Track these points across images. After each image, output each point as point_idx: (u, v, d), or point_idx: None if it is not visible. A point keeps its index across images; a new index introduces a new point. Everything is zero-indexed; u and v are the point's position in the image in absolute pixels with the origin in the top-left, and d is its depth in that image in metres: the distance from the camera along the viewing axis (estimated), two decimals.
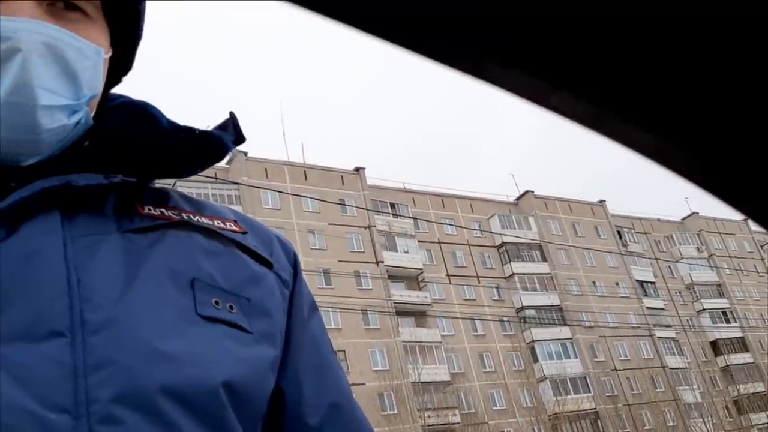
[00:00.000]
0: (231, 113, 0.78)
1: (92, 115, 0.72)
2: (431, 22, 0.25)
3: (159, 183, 0.78)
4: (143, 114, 0.73)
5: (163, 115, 0.74)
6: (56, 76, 0.66)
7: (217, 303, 0.67)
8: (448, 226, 44.37)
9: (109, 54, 0.75)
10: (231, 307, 0.68)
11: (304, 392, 0.75)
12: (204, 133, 0.74)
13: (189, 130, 0.74)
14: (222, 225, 0.76)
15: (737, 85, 0.22)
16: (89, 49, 0.69)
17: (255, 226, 0.82)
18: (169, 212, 0.73)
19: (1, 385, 0.53)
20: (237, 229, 0.78)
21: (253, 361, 0.67)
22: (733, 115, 0.23)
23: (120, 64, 0.80)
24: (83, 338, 0.57)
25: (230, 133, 0.77)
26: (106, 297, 0.61)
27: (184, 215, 0.74)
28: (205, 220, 0.75)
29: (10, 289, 0.57)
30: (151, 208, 0.72)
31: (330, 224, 39.20)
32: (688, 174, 0.26)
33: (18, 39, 0.62)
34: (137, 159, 0.72)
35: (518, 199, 51.34)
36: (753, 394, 49.90)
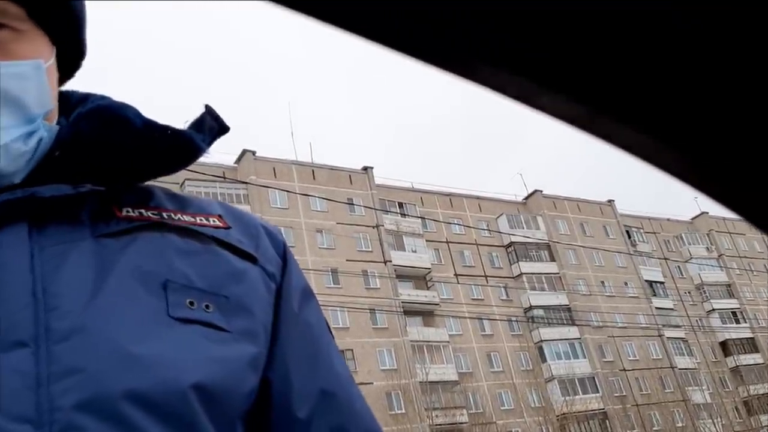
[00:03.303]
0: (206, 106, 0.77)
1: (55, 122, 0.71)
2: (417, 21, 0.25)
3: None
4: (115, 117, 0.71)
5: (138, 116, 0.72)
6: (3, 113, 0.64)
7: (191, 303, 0.67)
8: (456, 225, 44.33)
9: (52, 57, 0.73)
10: (207, 306, 0.68)
11: (292, 383, 0.74)
12: (175, 133, 0.73)
13: (163, 130, 0.72)
14: (204, 221, 0.76)
15: (729, 85, 0.22)
16: (27, 69, 0.68)
17: (241, 219, 0.80)
18: (149, 213, 0.72)
19: None
20: (220, 224, 0.77)
21: (229, 361, 0.67)
22: (727, 114, 0.23)
23: (73, 50, 0.78)
24: (47, 347, 0.57)
25: (208, 126, 0.76)
26: (72, 304, 0.60)
27: (164, 214, 0.73)
28: (186, 218, 0.75)
29: None
30: (130, 209, 0.71)
31: (338, 224, 39.24)
32: (683, 175, 0.26)
33: None
34: (108, 165, 0.71)
35: (526, 198, 51.22)
36: (763, 394, 49.57)
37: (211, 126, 0.77)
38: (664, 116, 0.23)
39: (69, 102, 0.78)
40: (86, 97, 0.78)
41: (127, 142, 0.70)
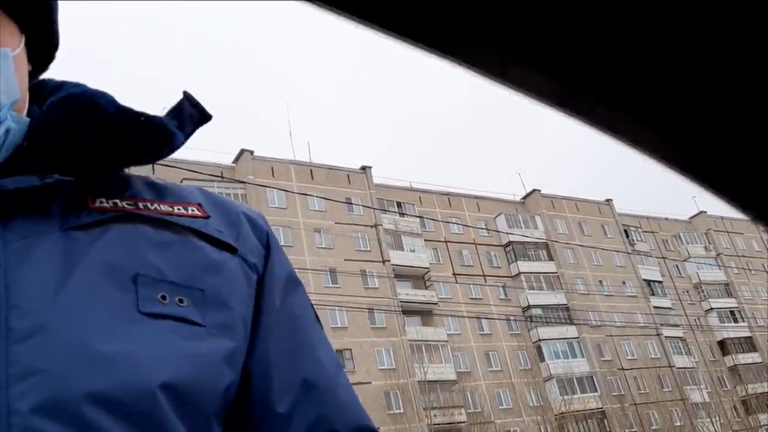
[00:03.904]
0: (185, 92, 0.74)
1: (25, 113, 0.69)
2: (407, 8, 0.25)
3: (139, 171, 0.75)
4: (87, 104, 0.68)
5: (112, 103, 0.69)
6: None
7: (164, 298, 0.64)
8: (455, 225, 44.36)
9: (21, 44, 0.70)
10: (181, 300, 0.65)
11: (273, 376, 0.71)
12: (147, 119, 0.69)
13: (136, 117, 0.69)
14: (182, 211, 0.73)
15: (711, 68, 0.22)
16: None
17: (222, 207, 0.78)
18: (124, 203, 0.69)
19: None
20: (199, 213, 0.74)
21: (203, 357, 0.64)
22: (708, 94, 0.23)
23: (46, 40, 0.76)
24: (7, 348, 0.55)
25: (188, 114, 0.73)
26: (35, 302, 0.57)
27: (140, 204, 0.70)
28: (163, 207, 0.72)
29: None
30: (104, 200, 0.69)
31: (336, 223, 39.23)
32: (663, 155, 0.26)
33: None
34: (79, 153, 0.67)
35: (525, 198, 51.25)
36: (761, 394, 49.59)
37: (191, 113, 0.74)
38: (642, 94, 0.23)
39: (44, 91, 0.75)
40: (61, 86, 0.74)
41: (99, 130, 0.67)
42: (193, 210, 0.74)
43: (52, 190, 0.65)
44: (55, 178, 0.65)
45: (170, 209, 0.72)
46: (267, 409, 0.70)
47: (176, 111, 0.73)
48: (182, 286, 0.66)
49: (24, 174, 0.63)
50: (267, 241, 0.79)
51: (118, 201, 0.69)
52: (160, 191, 0.75)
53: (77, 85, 0.73)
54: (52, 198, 0.65)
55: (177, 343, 0.62)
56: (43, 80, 0.78)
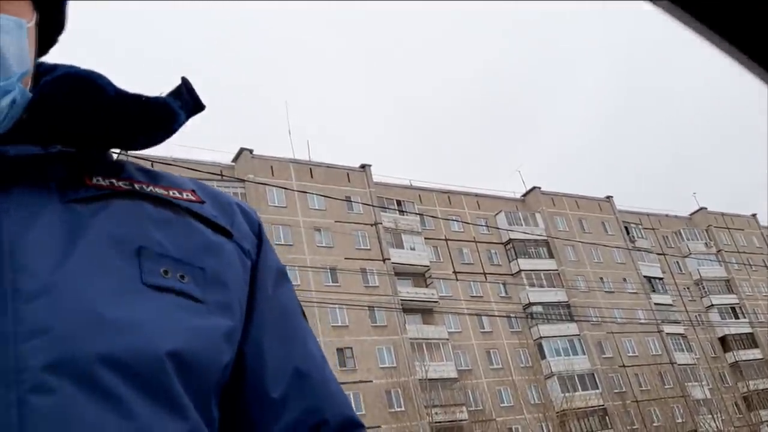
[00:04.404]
0: (183, 78, 0.74)
1: (28, 89, 0.69)
2: None
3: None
4: (86, 84, 0.69)
5: (110, 85, 0.70)
6: None
7: (166, 272, 0.65)
8: (455, 223, 44.28)
9: (34, 20, 0.70)
10: (182, 276, 0.66)
11: (266, 362, 0.72)
12: (150, 99, 0.70)
13: (136, 98, 0.70)
14: (178, 195, 0.74)
15: None
16: (9, 24, 0.64)
17: (216, 196, 0.79)
18: (120, 183, 0.70)
19: None
20: (194, 198, 0.75)
21: (205, 331, 0.65)
22: None
23: (51, 24, 0.76)
24: (15, 306, 0.55)
25: (184, 101, 0.74)
26: (41, 266, 0.59)
27: (135, 185, 0.71)
28: (159, 190, 0.73)
29: None
30: (100, 179, 0.70)
31: (336, 221, 39.17)
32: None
33: None
34: (79, 130, 0.69)
35: (525, 195, 51.19)
36: (762, 390, 49.60)
37: (186, 101, 0.74)
38: None
39: (37, 72, 0.74)
40: (54, 68, 0.74)
41: (99, 109, 0.68)
42: (188, 195, 0.75)
43: (53, 161, 0.66)
44: (58, 148, 0.67)
45: (165, 192, 0.73)
46: (261, 393, 0.71)
47: (175, 93, 0.73)
48: (183, 263, 0.67)
49: (23, 143, 0.64)
50: (259, 232, 0.80)
51: (114, 180, 0.70)
52: (153, 176, 0.76)
53: (71, 66, 0.73)
54: (52, 170, 0.66)
55: (180, 316, 0.63)
56: (36, 63, 0.77)
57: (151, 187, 0.73)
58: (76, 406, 0.54)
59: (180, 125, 0.74)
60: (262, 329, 0.74)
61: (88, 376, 0.55)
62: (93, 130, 0.69)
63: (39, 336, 0.55)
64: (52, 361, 0.54)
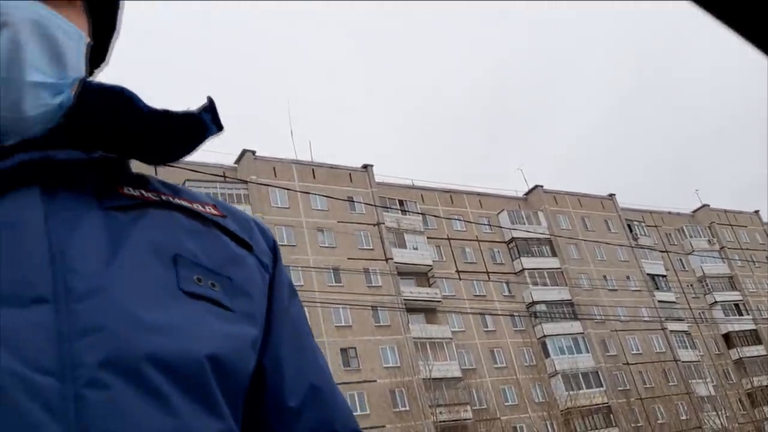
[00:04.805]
0: (209, 98, 0.77)
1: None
2: None
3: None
4: (120, 95, 0.71)
5: (140, 99, 0.72)
6: (43, 55, 0.66)
7: (199, 280, 0.68)
8: (457, 222, 44.30)
9: (89, 42, 0.74)
10: (213, 284, 0.69)
11: (284, 374, 0.76)
12: (183, 114, 0.73)
13: (167, 113, 0.73)
14: (201, 208, 0.77)
15: None
16: (74, 32, 0.70)
17: (233, 212, 0.82)
18: (149, 194, 0.74)
19: None
20: (216, 212, 0.78)
21: (236, 338, 0.68)
22: None
23: (96, 55, 0.80)
24: (67, 305, 0.58)
25: (213, 116, 0.77)
26: (89, 267, 0.61)
27: (163, 197, 0.74)
28: (185, 203, 0.76)
29: None
30: (131, 189, 0.73)
31: (339, 222, 39.23)
32: None
33: (7, 14, 0.63)
34: (116, 138, 0.71)
35: (527, 194, 51.20)
36: (767, 386, 49.55)
37: (214, 117, 0.77)
38: None
39: None
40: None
41: (133, 119, 0.71)
42: (209, 209, 0.78)
43: (94, 167, 0.69)
44: (100, 154, 0.69)
45: (190, 205, 0.76)
46: (280, 402, 0.75)
47: (205, 110, 0.76)
48: (214, 272, 0.70)
49: (65, 148, 0.67)
50: (274, 247, 0.84)
51: (143, 191, 0.73)
52: (175, 190, 0.79)
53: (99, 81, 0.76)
54: (91, 176, 0.69)
55: (213, 322, 0.66)
56: None
57: (177, 199, 0.76)
58: (126, 402, 0.57)
59: (209, 136, 0.77)
60: (279, 341, 0.77)
61: (136, 373, 0.58)
62: (128, 138, 0.72)
63: (91, 334, 0.57)
64: (104, 358, 0.57)
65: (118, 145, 0.72)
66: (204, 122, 0.75)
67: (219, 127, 0.77)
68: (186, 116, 0.74)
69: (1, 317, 0.55)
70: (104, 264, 0.62)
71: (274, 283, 0.80)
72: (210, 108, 0.76)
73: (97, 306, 0.59)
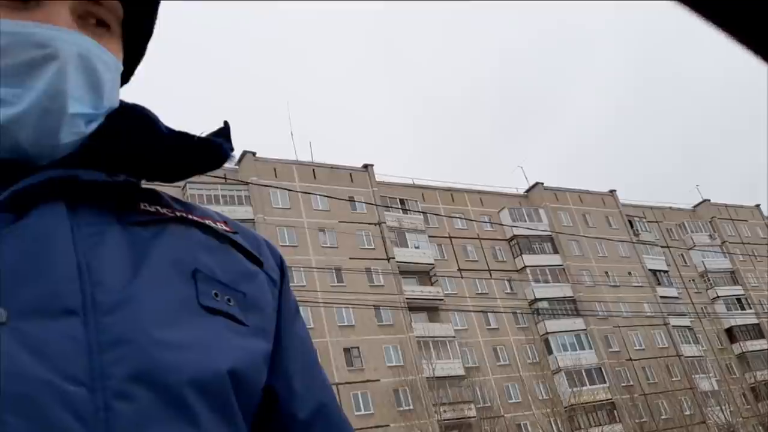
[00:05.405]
0: (225, 122, 0.80)
1: None
2: None
3: (155, 186, 0.80)
4: (141, 116, 0.74)
5: (159, 120, 0.75)
6: (84, 86, 0.69)
7: (216, 295, 0.70)
8: (458, 220, 44.32)
9: (121, 66, 0.77)
10: (229, 299, 0.71)
11: (294, 388, 0.78)
12: (204, 140, 0.76)
13: (187, 137, 0.75)
14: (214, 224, 0.79)
15: None
16: (112, 63, 0.73)
17: (243, 229, 0.84)
18: (164, 210, 0.75)
19: (19, 358, 0.54)
20: (228, 229, 0.80)
21: (251, 352, 0.70)
22: None
23: (122, 78, 0.83)
24: (95, 318, 0.59)
25: (227, 140, 0.79)
26: (115, 281, 0.63)
27: (177, 213, 0.76)
28: (198, 219, 0.78)
29: (22, 267, 0.59)
30: (147, 205, 0.75)
31: (340, 222, 39.25)
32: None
33: (56, 48, 0.66)
34: (138, 159, 0.74)
35: (528, 191, 51.20)
36: None
37: (229, 141, 0.80)
38: None
39: None
40: None
41: (153, 141, 0.74)
42: (221, 225, 0.80)
43: (115, 188, 0.71)
44: (123, 177, 0.72)
45: (202, 221, 0.78)
46: (290, 416, 0.77)
47: (220, 134, 0.78)
48: (229, 287, 0.72)
49: (89, 168, 0.69)
50: (281, 265, 0.86)
51: (158, 207, 0.75)
52: (187, 206, 0.81)
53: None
54: (112, 194, 0.71)
55: (231, 337, 0.68)
56: None
57: (190, 215, 0.77)
58: (154, 415, 0.58)
59: (225, 162, 0.79)
60: (288, 355, 0.79)
61: (163, 387, 0.60)
62: (149, 160, 0.75)
63: (119, 347, 0.59)
64: (132, 371, 0.58)
65: (137, 165, 0.74)
66: (223, 150, 0.77)
67: (231, 150, 0.79)
68: (206, 143, 0.76)
69: (31, 328, 0.56)
70: (128, 278, 0.64)
71: (282, 300, 0.82)
72: (225, 133, 0.78)
73: (124, 319, 0.61)
